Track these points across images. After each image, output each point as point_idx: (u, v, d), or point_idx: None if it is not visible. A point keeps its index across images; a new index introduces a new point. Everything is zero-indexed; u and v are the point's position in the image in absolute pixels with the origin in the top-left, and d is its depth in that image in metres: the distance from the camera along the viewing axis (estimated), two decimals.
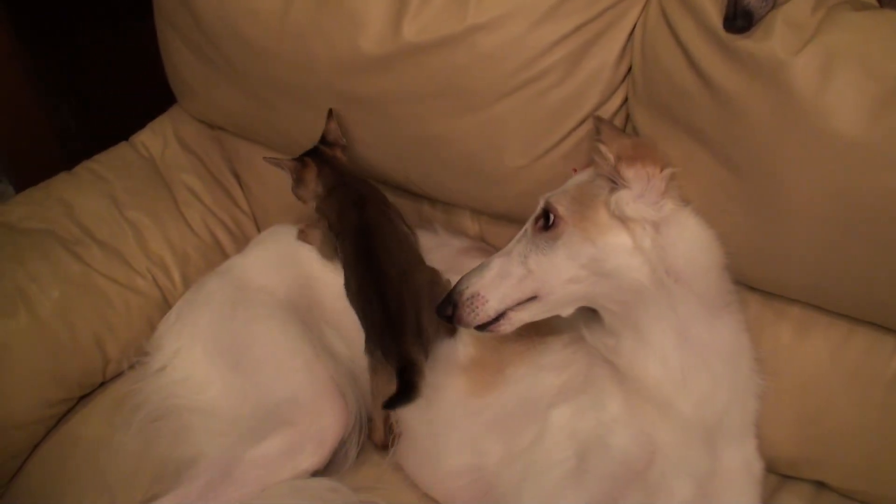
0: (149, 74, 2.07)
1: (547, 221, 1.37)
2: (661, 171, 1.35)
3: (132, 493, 1.55)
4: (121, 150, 2.05)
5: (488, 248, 1.79)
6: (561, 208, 1.37)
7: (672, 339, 1.34)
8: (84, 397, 1.76)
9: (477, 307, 1.38)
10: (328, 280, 1.72)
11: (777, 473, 1.54)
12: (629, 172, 1.34)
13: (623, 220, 1.34)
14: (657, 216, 1.34)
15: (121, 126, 2.09)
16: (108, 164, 2.00)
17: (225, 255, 1.96)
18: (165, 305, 1.83)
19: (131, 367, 1.73)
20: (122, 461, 1.59)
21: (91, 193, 1.90)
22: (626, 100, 1.55)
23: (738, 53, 1.29)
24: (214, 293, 1.71)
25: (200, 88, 1.93)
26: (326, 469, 1.56)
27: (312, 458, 1.52)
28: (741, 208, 1.38)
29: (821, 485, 1.55)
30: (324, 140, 1.72)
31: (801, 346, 1.49)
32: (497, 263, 1.40)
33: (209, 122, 2.05)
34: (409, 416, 1.56)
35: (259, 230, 2.03)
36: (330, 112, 1.70)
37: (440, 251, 1.71)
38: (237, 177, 2.07)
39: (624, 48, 1.50)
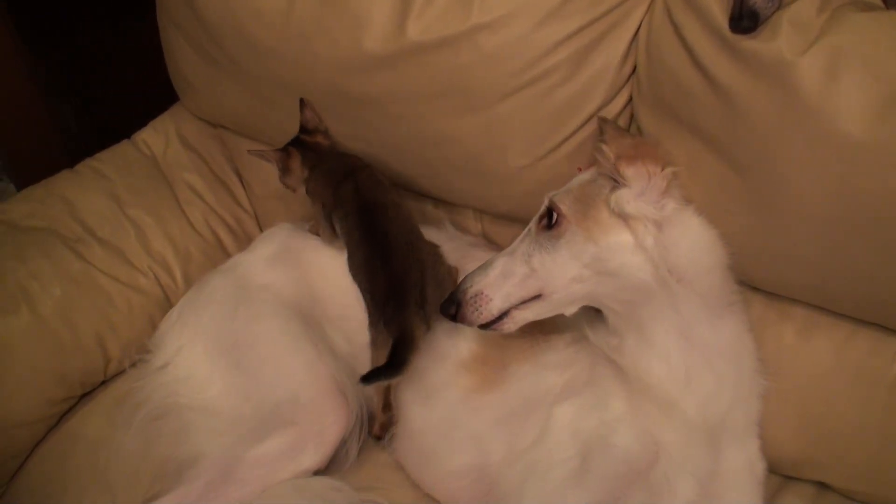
0: (151, 73, 2.07)
1: (550, 220, 1.38)
2: (662, 169, 1.35)
3: (133, 492, 1.54)
4: (122, 149, 2.05)
5: (496, 245, 1.79)
6: (564, 207, 1.37)
7: (675, 339, 1.34)
8: (85, 396, 1.75)
9: (480, 306, 1.38)
10: (330, 279, 1.72)
11: (779, 474, 1.54)
12: (629, 171, 1.34)
13: (624, 218, 1.34)
14: (658, 215, 1.34)
15: (123, 124, 2.09)
16: (110, 162, 2.00)
17: (227, 254, 1.96)
18: (167, 304, 1.83)
19: (133, 365, 1.73)
20: (122, 460, 1.58)
21: (93, 191, 1.90)
22: (630, 100, 1.55)
23: (743, 54, 1.29)
24: (216, 291, 1.71)
25: (202, 86, 1.93)
26: (327, 468, 1.56)
27: (314, 457, 1.52)
28: (746, 208, 1.38)
29: (823, 486, 1.55)
30: (303, 130, 1.73)
31: (805, 346, 1.49)
32: (501, 262, 1.41)
33: (211, 120, 2.04)
34: (411, 412, 1.56)
35: (261, 229, 2.04)
36: (302, 101, 1.71)
37: (451, 243, 1.70)
38: (239, 175, 2.07)
39: (628, 48, 1.50)
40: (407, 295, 1.49)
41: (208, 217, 1.99)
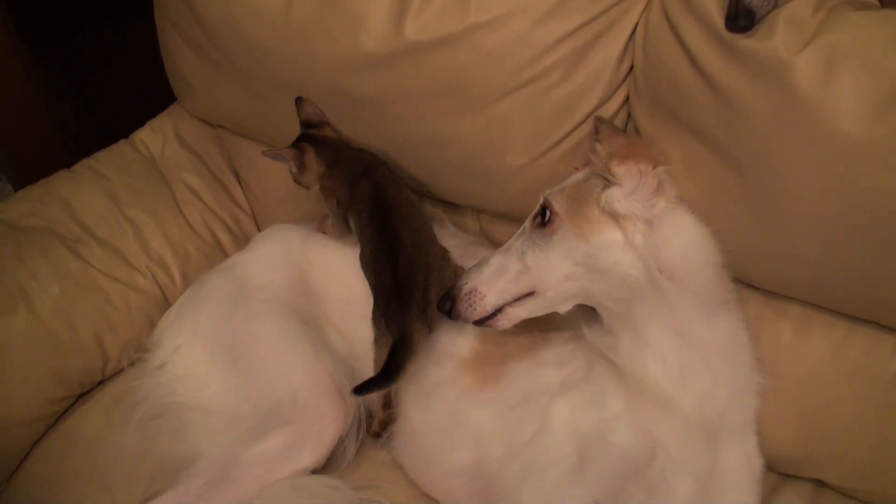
0: (149, 73, 2.07)
1: (544, 218, 1.39)
2: (654, 168, 1.36)
3: (131, 491, 1.54)
4: (120, 149, 2.05)
5: (496, 243, 1.79)
6: (557, 205, 1.38)
7: (669, 337, 1.35)
8: (83, 395, 1.76)
9: (474, 302, 1.40)
10: (329, 280, 1.72)
11: (776, 472, 1.54)
12: (620, 169, 1.34)
13: (614, 217, 1.34)
14: (648, 213, 1.34)
15: (122, 124, 2.09)
16: (108, 162, 2.00)
17: (225, 254, 1.96)
18: (165, 304, 1.83)
19: (131, 364, 1.73)
20: (121, 459, 1.58)
21: (91, 191, 1.90)
22: (627, 99, 1.55)
23: (740, 53, 1.29)
24: (215, 291, 1.71)
25: (200, 86, 1.93)
26: (325, 467, 1.56)
27: (311, 456, 1.52)
28: (743, 207, 1.38)
29: (820, 483, 1.55)
30: (309, 125, 1.72)
31: (802, 345, 1.49)
32: (496, 260, 1.42)
33: (209, 120, 2.05)
34: (410, 411, 1.56)
35: (259, 229, 2.04)
36: (299, 99, 1.71)
37: (452, 240, 1.71)
38: (237, 175, 2.07)
39: (625, 47, 1.50)
40: (410, 296, 1.49)
41: (206, 217, 1.99)
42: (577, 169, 1.50)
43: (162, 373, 1.65)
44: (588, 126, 1.55)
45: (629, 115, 1.57)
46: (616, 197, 1.34)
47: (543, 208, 1.40)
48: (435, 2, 1.54)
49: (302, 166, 1.69)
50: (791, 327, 1.50)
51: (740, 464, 1.41)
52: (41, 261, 1.73)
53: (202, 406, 1.59)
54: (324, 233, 1.74)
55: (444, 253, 1.60)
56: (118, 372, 1.77)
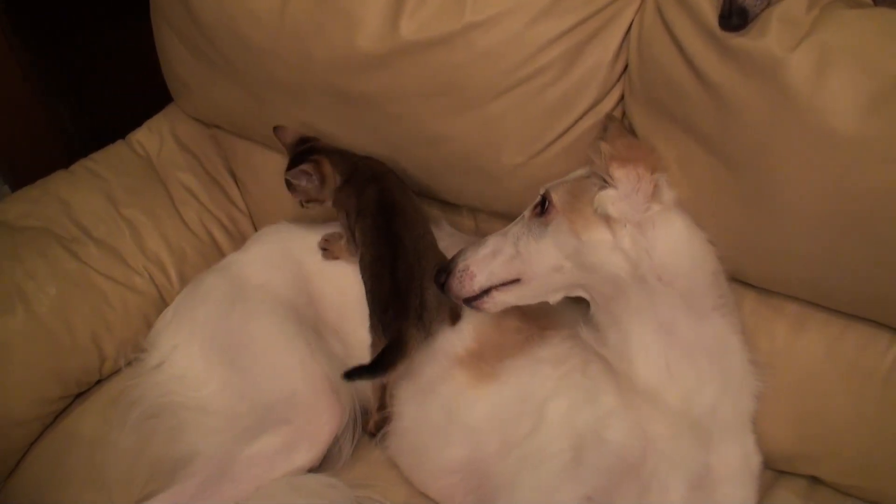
0: (146, 73, 2.07)
1: (542, 208, 1.41)
2: (652, 173, 1.36)
3: (129, 490, 1.55)
4: (117, 149, 2.05)
5: None
6: (556, 197, 1.41)
7: (652, 334, 1.36)
8: (81, 395, 1.76)
9: (465, 280, 1.44)
10: (325, 278, 1.72)
11: (772, 469, 1.55)
12: (618, 172, 1.35)
13: (606, 218, 1.35)
14: (640, 217, 1.35)
15: (119, 125, 2.10)
16: (105, 162, 2.00)
17: (221, 254, 1.97)
18: (162, 304, 1.84)
19: (128, 364, 1.74)
20: (118, 459, 1.59)
21: (88, 192, 1.91)
22: (622, 97, 1.56)
23: (733, 51, 1.29)
24: (212, 290, 1.71)
25: (197, 87, 1.93)
26: (321, 466, 1.56)
27: (307, 455, 1.52)
28: (737, 205, 1.38)
29: (816, 480, 1.55)
30: (298, 144, 1.71)
31: (798, 342, 1.49)
32: (492, 241, 1.46)
33: (205, 120, 2.05)
34: (405, 408, 1.57)
35: (256, 228, 2.04)
36: (277, 128, 1.74)
37: (448, 240, 1.72)
38: (233, 175, 2.07)
39: (620, 46, 1.50)
40: (408, 302, 1.49)
41: (203, 217, 1.99)
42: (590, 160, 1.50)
43: (159, 372, 1.66)
44: (584, 125, 1.56)
45: (624, 113, 1.57)
46: (609, 199, 1.35)
47: (543, 198, 1.42)
48: (430, 1, 1.54)
49: (323, 179, 1.67)
50: (787, 325, 1.51)
51: (738, 461, 1.41)
52: (38, 261, 1.74)
53: (199, 405, 1.59)
54: (336, 258, 1.72)
55: (444, 257, 1.59)
56: (115, 372, 1.78)
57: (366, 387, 1.62)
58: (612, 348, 1.39)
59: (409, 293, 1.50)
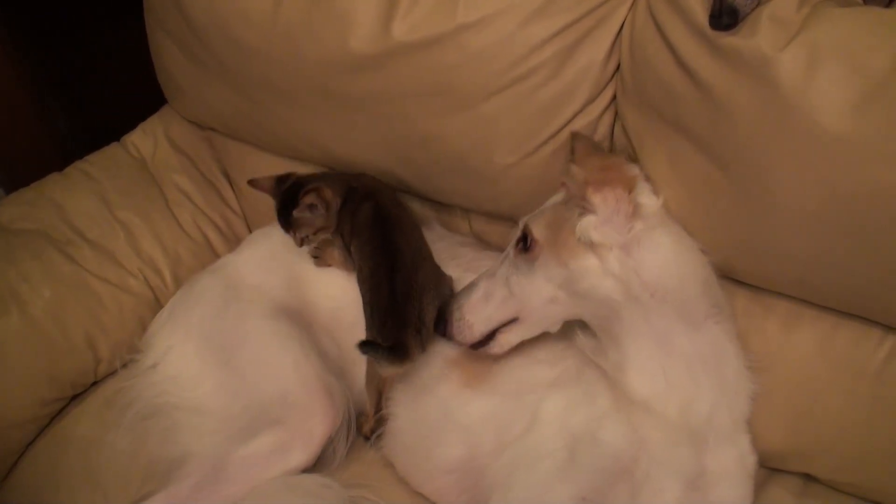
0: (140, 76, 2.07)
1: (525, 244, 1.41)
2: (630, 193, 1.35)
3: (124, 492, 1.55)
4: (111, 151, 2.05)
5: (485, 243, 1.81)
6: (536, 231, 1.41)
7: (649, 350, 1.36)
8: (76, 397, 1.76)
9: (464, 329, 1.46)
10: (319, 280, 1.72)
11: (765, 467, 1.55)
12: (596, 198, 1.34)
13: (590, 244, 1.35)
14: (624, 239, 1.34)
15: (112, 127, 2.10)
16: (99, 164, 2.00)
17: (216, 255, 1.96)
18: (157, 305, 1.84)
19: (124, 365, 1.73)
20: (113, 460, 1.59)
21: (82, 194, 1.91)
22: (614, 97, 1.56)
23: (724, 50, 1.30)
24: (206, 291, 1.71)
25: (190, 89, 1.93)
26: (315, 466, 1.56)
27: (301, 456, 1.52)
28: (728, 203, 1.39)
29: (809, 478, 1.56)
30: (281, 181, 1.70)
31: (790, 339, 1.50)
32: (483, 285, 1.47)
33: (200, 122, 2.05)
34: (401, 409, 1.57)
35: (250, 230, 2.04)
36: (251, 181, 1.74)
37: (440, 243, 1.73)
38: (228, 177, 2.07)
39: (612, 46, 1.51)
40: (407, 314, 1.49)
41: (197, 218, 1.99)
42: (562, 185, 1.47)
43: (154, 373, 1.66)
44: (576, 125, 1.56)
45: (616, 113, 1.57)
46: (591, 226, 1.35)
47: (524, 234, 1.42)
48: (422, 2, 1.54)
49: (328, 205, 1.64)
50: (778, 322, 1.51)
51: (733, 462, 1.40)
52: (33, 263, 1.74)
53: (193, 406, 1.59)
54: (329, 265, 1.71)
55: (440, 272, 1.60)
56: (111, 373, 1.77)
57: (361, 388, 1.62)
58: (610, 362, 1.39)
59: (407, 304, 1.49)
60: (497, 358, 1.51)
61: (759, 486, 1.51)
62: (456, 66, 1.54)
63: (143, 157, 2.04)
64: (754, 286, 1.52)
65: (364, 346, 1.43)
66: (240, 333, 1.63)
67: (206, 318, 1.67)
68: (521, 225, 1.45)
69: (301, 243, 1.66)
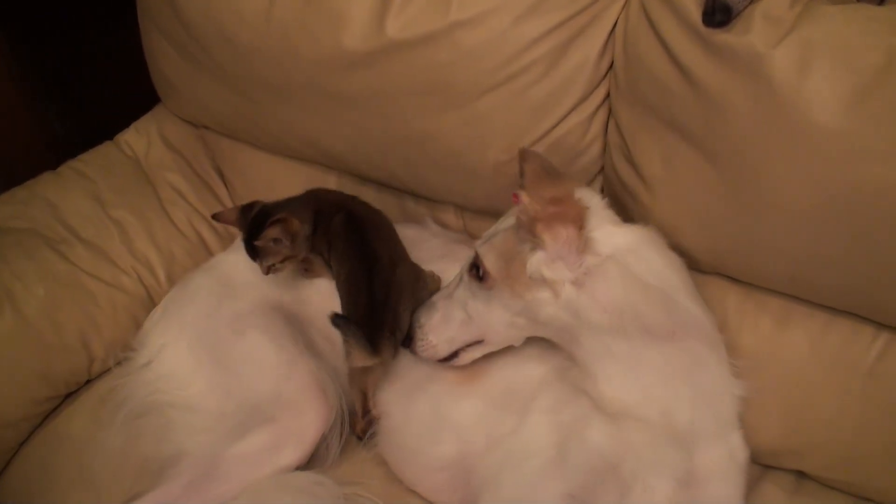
0: (134, 74, 2.07)
1: (479, 272, 1.41)
2: (581, 229, 1.31)
3: (117, 490, 1.54)
4: (105, 150, 2.05)
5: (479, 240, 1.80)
6: (488, 263, 1.39)
7: (617, 368, 1.35)
8: (70, 395, 1.75)
9: (428, 349, 1.48)
10: (315, 281, 1.72)
11: (758, 463, 1.55)
12: (546, 235, 1.30)
13: (542, 279, 1.33)
14: (575, 274, 1.32)
15: (106, 126, 2.10)
16: (93, 163, 2.00)
17: (210, 254, 1.96)
18: (151, 304, 1.83)
19: (118, 364, 1.73)
20: (106, 458, 1.58)
21: (75, 193, 1.90)
22: (608, 95, 1.56)
23: (717, 48, 1.30)
24: (200, 289, 1.71)
25: (184, 87, 1.93)
26: (308, 465, 1.56)
27: (294, 454, 1.52)
28: (722, 200, 1.39)
29: (802, 475, 1.56)
30: (247, 210, 1.66)
31: (782, 337, 1.50)
32: (441, 305, 1.48)
33: (193, 121, 2.05)
34: (394, 407, 1.56)
35: None
36: (215, 216, 1.75)
37: (434, 241, 1.73)
38: (221, 175, 2.07)
39: (606, 44, 1.51)
40: (384, 317, 1.48)
41: (191, 217, 1.99)
42: (515, 197, 1.38)
43: (147, 371, 1.65)
44: (569, 123, 1.57)
45: (610, 111, 1.58)
46: (542, 263, 1.32)
47: (476, 264, 1.41)
48: (416, 0, 1.54)
49: (294, 236, 1.59)
50: (771, 320, 1.51)
51: (723, 460, 1.40)
52: (26, 262, 1.73)
53: (186, 404, 1.59)
54: (319, 276, 1.70)
55: (418, 272, 1.59)
56: (104, 372, 1.77)
57: (351, 391, 1.62)
58: (581, 376, 1.39)
59: (385, 307, 1.49)
60: (488, 356, 1.51)
61: (752, 484, 1.51)
62: (449, 63, 1.54)
63: (137, 155, 2.04)
64: (747, 283, 1.52)
65: (337, 318, 1.43)
66: (233, 332, 1.62)
67: (200, 317, 1.66)
68: (473, 252, 1.43)
69: (267, 272, 1.60)
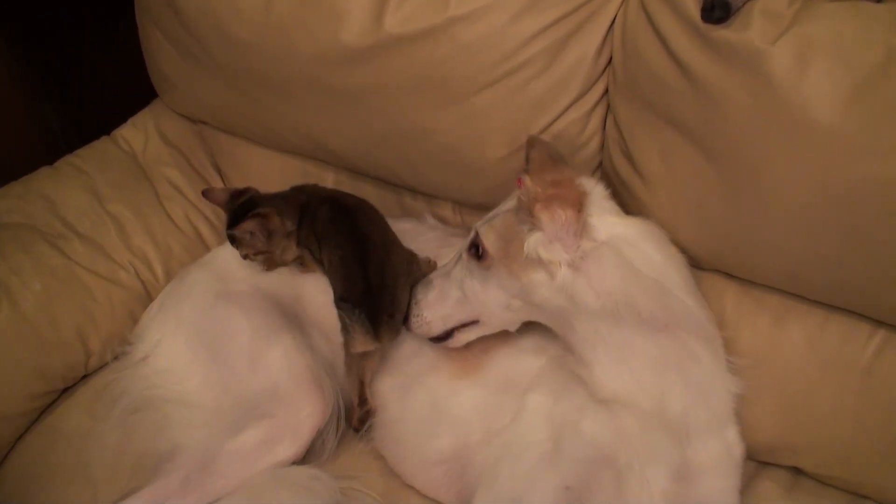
0: (131, 70, 2.07)
1: (478, 251, 1.41)
2: (579, 212, 1.32)
3: (114, 485, 1.54)
4: (102, 145, 2.05)
5: None
6: (488, 243, 1.40)
7: (609, 355, 1.36)
8: (66, 390, 1.75)
9: (422, 326, 1.49)
10: (311, 277, 1.72)
11: (755, 460, 1.55)
12: (543, 215, 1.31)
13: (539, 260, 1.34)
14: (571, 257, 1.33)
15: (103, 121, 2.09)
16: (90, 158, 2.00)
17: (207, 248, 1.96)
18: (148, 299, 1.83)
19: (115, 358, 1.73)
20: (103, 453, 1.58)
21: (72, 187, 1.90)
22: (606, 91, 1.56)
23: (716, 44, 1.30)
24: (197, 284, 1.71)
25: (181, 82, 1.93)
26: (305, 459, 1.56)
27: (290, 449, 1.52)
28: (720, 197, 1.39)
29: (798, 471, 1.57)
30: (233, 199, 1.67)
31: (779, 334, 1.50)
32: (438, 283, 1.50)
33: (191, 116, 2.05)
34: (392, 401, 1.57)
35: None
36: (205, 191, 1.75)
37: (431, 233, 1.74)
38: (219, 170, 2.07)
39: (604, 40, 1.51)
40: (381, 301, 1.49)
41: (188, 212, 1.99)
42: (518, 181, 1.41)
43: (144, 366, 1.65)
44: (568, 119, 1.57)
45: (608, 107, 1.58)
46: (539, 243, 1.33)
47: (475, 242, 1.42)
48: None
49: (271, 233, 1.60)
50: (769, 317, 1.51)
51: (718, 453, 1.40)
52: (23, 257, 1.73)
53: (183, 399, 1.59)
54: (313, 271, 1.69)
55: (411, 256, 1.59)
56: (101, 367, 1.76)
57: (347, 383, 1.62)
58: (576, 361, 1.40)
59: (382, 291, 1.49)
60: (485, 348, 1.52)
61: (749, 480, 1.52)
62: (447, 59, 1.54)
63: (134, 150, 2.04)
64: (745, 280, 1.52)
65: (342, 301, 1.45)
66: (230, 326, 1.62)
67: (197, 311, 1.66)
68: (473, 231, 1.44)
69: (245, 258, 1.65)
